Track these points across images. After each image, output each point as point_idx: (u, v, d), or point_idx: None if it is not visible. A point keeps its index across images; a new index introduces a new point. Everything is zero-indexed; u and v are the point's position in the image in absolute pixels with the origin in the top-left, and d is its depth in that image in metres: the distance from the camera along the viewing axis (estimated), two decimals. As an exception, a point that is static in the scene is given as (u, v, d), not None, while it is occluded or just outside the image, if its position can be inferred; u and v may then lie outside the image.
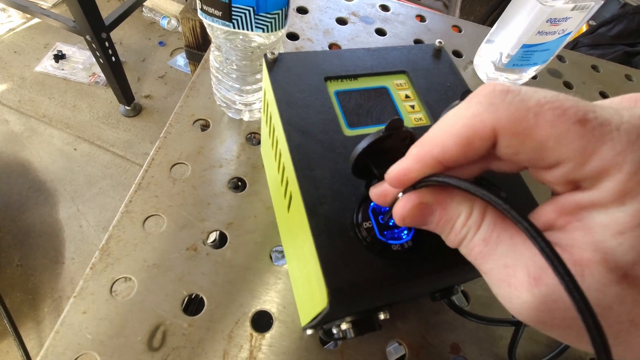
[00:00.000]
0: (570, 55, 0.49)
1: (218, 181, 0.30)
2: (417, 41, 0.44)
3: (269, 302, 0.26)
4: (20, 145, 1.13)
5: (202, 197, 0.29)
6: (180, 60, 1.36)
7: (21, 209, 1.04)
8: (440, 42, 0.27)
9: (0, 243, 0.98)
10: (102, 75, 1.22)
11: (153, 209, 0.28)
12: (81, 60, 1.27)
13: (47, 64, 1.26)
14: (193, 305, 0.26)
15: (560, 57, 0.48)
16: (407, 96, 0.24)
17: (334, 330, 0.23)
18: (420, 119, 0.23)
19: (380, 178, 0.15)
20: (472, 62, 0.44)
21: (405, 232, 0.18)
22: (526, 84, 0.44)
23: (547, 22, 0.35)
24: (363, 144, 0.16)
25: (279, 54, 0.23)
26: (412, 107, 0.23)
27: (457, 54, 0.44)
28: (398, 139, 0.16)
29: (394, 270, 0.17)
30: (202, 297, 0.26)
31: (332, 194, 0.19)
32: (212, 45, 0.29)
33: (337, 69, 0.24)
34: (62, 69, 1.26)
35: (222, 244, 0.28)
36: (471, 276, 0.22)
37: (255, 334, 0.25)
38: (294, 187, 0.19)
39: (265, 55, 0.23)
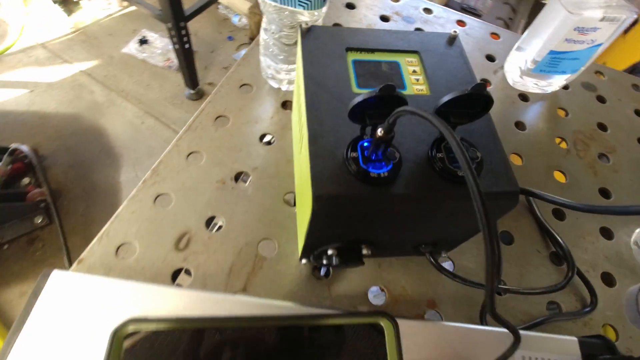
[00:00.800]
0: (611, 72, 0.49)
1: (252, 134, 0.36)
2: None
3: (275, 234, 0.31)
4: (100, 113, 1.29)
5: (237, 144, 0.35)
6: (245, 55, 1.47)
7: (91, 167, 1.19)
8: (455, 32, 0.30)
9: (70, 193, 1.13)
10: (175, 60, 1.36)
11: (196, 147, 0.34)
12: (160, 46, 1.43)
13: (132, 47, 1.43)
14: (214, 225, 0.31)
15: (599, 72, 0.49)
16: (414, 71, 0.27)
17: (324, 260, 0.27)
18: (422, 90, 0.26)
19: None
20: (503, 67, 0.46)
21: (384, 168, 0.22)
22: (556, 93, 0.45)
23: (575, 30, 0.36)
24: (359, 98, 0.20)
25: (312, 26, 0.28)
26: (417, 80, 0.27)
27: (490, 58, 0.47)
28: (391, 100, 0.20)
29: (369, 192, 0.21)
30: (222, 219, 0.31)
31: (332, 132, 0.23)
32: (263, 20, 0.35)
33: (358, 43, 0.28)
34: (144, 53, 1.42)
35: (245, 182, 0.33)
36: (437, 222, 0.25)
37: (259, 255, 0.30)
38: (304, 125, 0.24)
39: (300, 25, 0.28)
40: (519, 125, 0.42)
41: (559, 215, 0.36)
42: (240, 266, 0.29)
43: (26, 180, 1.11)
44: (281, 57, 0.36)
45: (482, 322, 0.29)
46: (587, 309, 0.31)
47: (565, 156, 0.40)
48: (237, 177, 0.33)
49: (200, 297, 0.23)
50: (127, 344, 0.21)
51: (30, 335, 0.21)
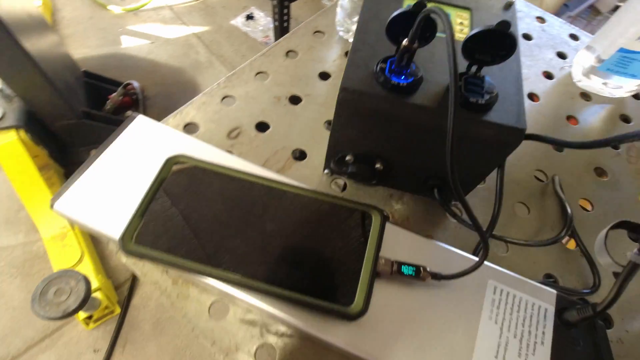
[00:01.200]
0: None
1: (313, 69, 0.41)
2: (526, 36, 0.48)
3: (309, 147, 0.36)
4: (199, 71, 1.46)
5: (298, 74, 0.41)
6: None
7: (181, 114, 1.35)
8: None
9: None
10: (272, 38, 1.49)
11: (265, 68, 0.41)
12: (262, 23, 1.58)
13: (239, 20, 1.60)
14: (262, 128, 0.37)
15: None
16: (461, 23, 0.31)
17: (342, 167, 0.31)
18: (461, 38, 0.29)
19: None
20: (571, 65, 0.46)
21: (405, 80, 0.25)
22: (624, 100, 0.44)
23: (651, 28, 0.36)
24: (395, 12, 0.24)
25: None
26: (461, 30, 0.30)
27: (562, 55, 0.47)
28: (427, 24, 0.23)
29: (387, 95, 0.25)
30: (269, 124, 0.37)
31: (371, 49, 0.27)
32: (346, -25, 0.41)
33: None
34: (247, 27, 1.58)
35: (296, 104, 0.39)
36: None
37: (291, 159, 0.35)
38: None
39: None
40: (571, 119, 0.42)
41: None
42: (273, 162, 0.35)
43: (129, 112, 1.30)
44: (350, 10, 0.41)
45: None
46: (587, 291, 0.31)
47: (612, 157, 0.39)
48: (292, 98, 0.39)
49: (239, 162, 0.29)
50: (174, 168, 0.27)
51: (109, 155, 0.28)
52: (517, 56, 0.28)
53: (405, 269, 0.24)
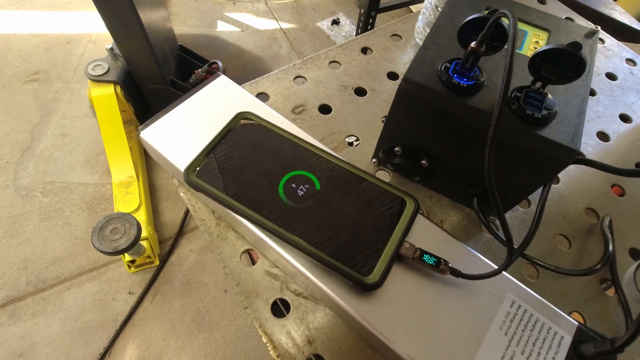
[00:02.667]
0: None
1: (384, 67, 0.43)
2: (610, 75, 0.46)
3: (363, 134, 0.38)
4: (277, 63, 1.54)
5: (368, 70, 0.43)
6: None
7: (252, 100, 1.44)
8: (597, 27, 0.32)
9: (230, 111, 1.40)
10: (353, 45, 1.54)
11: (338, 59, 0.43)
12: (346, 30, 1.63)
13: (325, 24, 1.67)
14: (324, 111, 0.40)
15: None
16: (537, 42, 0.31)
17: (389, 157, 0.33)
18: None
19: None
20: (657, 114, 0.43)
21: (466, 81, 0.26)
22: None
23: None
24: (469, 17, 0.26)
25: (468, -12, 0.34)
26: (535, 48, 0.30)
27: (646, 102, 0.44)
28: (498, 32, 0.25)
29: (446, 92, 0.26)
30: (332, 108, 0.39)
31: (440, 49, 0.29)
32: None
33: (500, 6, 0.33)
34: (331, 31, 1.64)
35: (361, 95, 0.41)
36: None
37: (344, 142, 0.37)
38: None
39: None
40: (642, 167, 0.39)
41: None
42: (327, 142, 0.37)
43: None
44: (431, 18, 0.43)
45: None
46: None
47: (681, 215, 0.36)
48: (357, 90, 0.42)
49: (299, 131, 0.32)
50: (242, 122, 0.31)
51: (192, 102, 0.32)
52: (587, 82, 0.28)
53: (427, 258, 0.25)
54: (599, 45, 0.49)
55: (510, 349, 0.24)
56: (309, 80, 0.41)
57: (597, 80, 0.46)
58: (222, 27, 1.62)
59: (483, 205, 0.32)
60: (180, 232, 1.11)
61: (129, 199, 1.07)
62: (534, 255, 0.31)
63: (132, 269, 1.06)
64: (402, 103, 0.28)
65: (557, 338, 0.25)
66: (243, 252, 0.31)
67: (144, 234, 0.99)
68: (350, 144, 0.37)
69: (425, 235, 0.28)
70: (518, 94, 0.26)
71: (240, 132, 0.30)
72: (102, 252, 0.86)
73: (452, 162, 0.30)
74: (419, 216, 0.28)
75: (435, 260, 0.25)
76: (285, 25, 1.67)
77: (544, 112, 0.25)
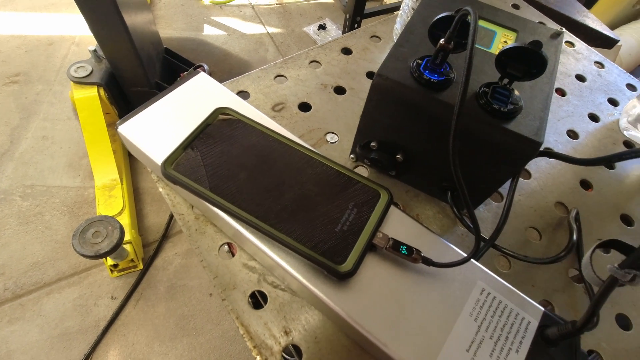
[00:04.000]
0: None
1: (363, 67, 0.44)
2: (579, 77, 0.48)
3: (342, 132, 0.39)
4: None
5: (348, 69, 0.44)
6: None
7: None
8: (561, 29, 0.34)
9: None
10: (338, 50, 1.55)
11: (319, 59, 0.44)
12: (332, 35, 1.65)
13: (311, 29, 1.68)
14: (304, 109, 0.41)
15: None
16: (505, 42, 0.32)
17: (365, 152, 0.34)
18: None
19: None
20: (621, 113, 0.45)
21: (436, 77, 0.27)
22: (672, 159, 0.42)
23: None
24: (440, 15, 0.27)
25: (442, -11, 0.36)
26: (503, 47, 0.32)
27: (613, 102, 0.46)
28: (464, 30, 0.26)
29: (417, 88, 0.27)
30: (311, 106, 0.40)
31: (413, 47, 0.30)
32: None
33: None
34: (318, 36, 1.66)
35: (340, 94, 0.42)
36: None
37: (323, 139, 0.38)
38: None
39: (433, -14, 0.36)
40: (608, 164, 0.41)
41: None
42: (306, 139, 0.38)
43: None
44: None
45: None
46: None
47: (644, 208, 0.38)
48: (337, 89, 0.42)
49: (277, 127, 0.32)
50: (220, 117, 0.31)
51: (171, 99, 0.33)
52: (551, 80, 0.29)
53: (400, 248, 0.26)
54: (570, 49, 0.51)
55: (480, 334, 0.25)
56: (290, 79, 0.42)
57: (568, 82, 0.47)
58: (209, 31, 1.62)
59: (457, 199, 0.33)
60: (165, 236, 1.10)
61: (112, 202, 1.05)
62: (507, 247, 0.33)
63: (115, 274, 1.04)
64: (375, 98, 0.29)
65: (524, 323, 0.26)
66: (221, 245, 0.31)
67: (127, 237, 0.97)
68: (329, 140, 0.38)
69: (400, 226, 0.29)
70: (486, 90, 0.27)
71: (219, 126, 0.30)
72: (83, 255, 0.85)
73: (425, 156, 0.31)
74: (394, 208, 0.29)
75: (408, 249, 0.26)
76: (272, 30, 1.68)
77: (510, 106, 0.26)
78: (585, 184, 0.39)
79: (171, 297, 1.03)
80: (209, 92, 0.33)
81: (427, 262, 0.26)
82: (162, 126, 0.31)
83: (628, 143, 0.43)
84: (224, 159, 0.29)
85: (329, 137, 0.39)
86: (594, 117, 0.45)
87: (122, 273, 1.05)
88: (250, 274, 0.30)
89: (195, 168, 0.28)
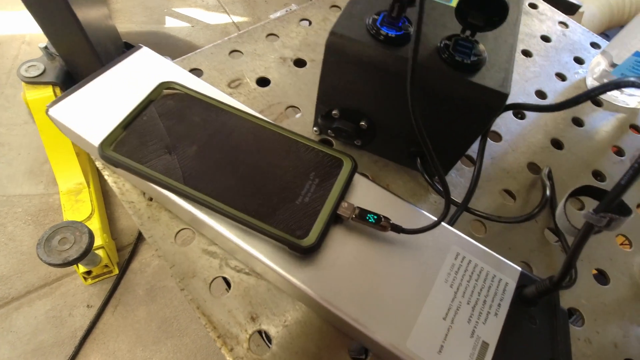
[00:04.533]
0: None
1: (323, 38, 0.42)
2: (544, 37, 0.47)
3: (304, 105, 0.36)
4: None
5: (308, 41, 0.42)
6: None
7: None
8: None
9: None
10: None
11: (277, 31, 0.42)
12: (301, 21, 1.62)
13: (277, 15, 1.64)
14: (262, 84, 0.38)
15: None
16: None
17: (328, 123, 0.32)
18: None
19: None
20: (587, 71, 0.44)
21: (394, 32, 0.25)
22: (633, 111, 0.42)
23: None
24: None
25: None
26: None
27: (579, 60, 0.46)
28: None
29: (375, 45, 0.25)
30: (270, 80, 0.38)
31: (369, 3, 0.28)
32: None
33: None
34: (285, 23, 1.62)
35: (301, 67, 0.39)
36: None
37: (284, 113, 0.36)
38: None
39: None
40: (577, 121, 0.40)
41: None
42: (267, 114, 0.35)
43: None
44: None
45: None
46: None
47: (615, 164, 0.38)
48: (297, 61, 0.40)
49: (229, 99, 0.30)
50: (165, 92, 0.28)
51: (109, 77, 0.30)
52: (515, 31, 0.28)
53: (366, 216, 0.24)
54: (534, 11, 0.50)
55: (457, 300, 0.24)
56: (246, 54, 0.39)
57: (533, 43, 0.47)
58: (171, 23, 1.56)
59: (427, 164, 0.31)
60: (140, 238, 1.06)
61: (79, 207, 1.00)
62: (481, 211, 0.31)
63: (89, 281, 0.99)
64: (331, 59, 0.27)
65: (502, 285, 0.25)
66: (178, 231, 0.28)
67: (98, 242, 0.93)
68: (291, 114, 0.36)
69: (367, 195, 0.27)
70: (447, 42, 0.26)
71: (164, 102, 0.28)
72: (50, 264, 0.80)
73: (390, 120, 0.30)
74: (360, 177, 0.27)
75: (376, 217, 0.24)
76: (237, 19, 1.63)
77: (474, 58, 0.25)
78: (557, 143, 0.39)
79: (151, 300, 1.00)
80: (154, 69, 0.30)
81: (397, 229, 0.24)
82: (100, 106, 0.28)
83: (596, 100, 0.42)
84: (170, 136, 0.26)
85: (290, 112, 0.36)
86: (561, 77, 0.44)
87: (97, 280, 1.00)
88: (211, 259, 0.28)
89: (139, 147, 0.25)
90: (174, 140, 0.26)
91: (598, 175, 0.37)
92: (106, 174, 0.30)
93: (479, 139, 0.29)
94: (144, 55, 0.31)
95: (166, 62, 0.31)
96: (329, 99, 0.30)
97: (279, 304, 0.26)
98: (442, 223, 0.26)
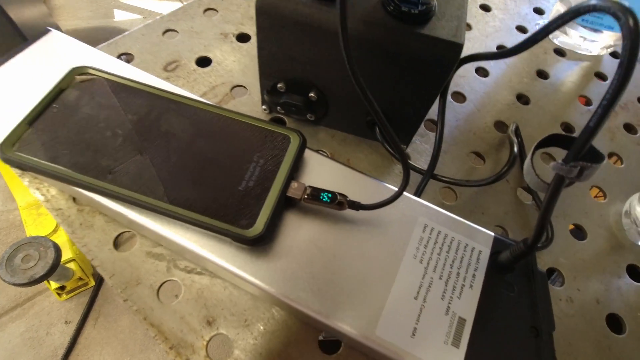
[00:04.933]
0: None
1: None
2: (503, -10, 0.45)
3: (252, 85, 0.33)
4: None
5: (250, 13, 0.38)
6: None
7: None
8: None
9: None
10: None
11: (214, 5, 0.38)
12: (259, 3, 1.55)
13: (235, 0, 1.57)
14: (203, 64, 0.35)
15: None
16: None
17: (276, 99, 0.29)
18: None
19: None
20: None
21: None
22: (601, 58, 0.40)
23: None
24: None
25: None
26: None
27: (539, 11, 0.44)
28: None
29: (310, 2, 0.22)
30: (211, 59, 0.34)
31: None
32: None
33: None
34: (243, 6, 1.55)
35: (245, 42, 0.36)
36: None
37: (230, 94, 0.32)
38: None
39: None
40: (542, 74, 0.39)
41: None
42: (210, 97, 0.32)
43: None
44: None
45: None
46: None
47: (583, 114, 0.36)
48: (240, 36, 0.36)
49: (173, 88, 0.26)
50: (79, 78, 0.24)
51: (11, 66, 0.26)
52: (465, -26, 0.25)
53: (321, 195, 0.22)
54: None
55: (427, 276, 0.22)
56: (182, 33, 0.36)
57: (491, -4, 0.44)
58: (121, 16, 1.46)
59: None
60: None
61: (42, 221, 0.94)
62: (449, 176, 0.29)
63: (64, 296, 0.94)
64: (265, 24, 0.24)
65: (475, 254, 0.23)
66: (117, 236, 0.25)
67: (67, 255, 0.88)
68: (238, 95, 0.33)
69: (321, 172, 0.24)
70: (392, -8, 0.23)
71: (77, 90, 0.24)
72: (16, 284, 0.75)
73: (340, 88, 0.27)
74: (313, 154, 0.25)
75: (330, 196, 0.22)
76: (192, 7, 1.55)
77: (422, 7, 0.22)
78: (522, 98, 0.37)
79: (132, 308, 0.96)
80: (65, 53, 0.27)
81: (355, 206, 0.22)
82: (1, 102, 0.24)
83: (559, 50, 0.41)
84: (88, 129, 0.23)
85: (237, 92, 0.33)
86: (521, 29, 0.42)
87: (73, 294, 0.96)
88: (157, 262, 0.25)
89: (50, 145, 0.22)
90: (93, 132, 0.23)
91: (568, 128, 0.35)
92: (26, 180, 0.26)
93: (438, 99, 0.27)
94: (55, 40, 0.27)
95: (82, 46, 0.27)
96: (271, 71, 0.27)
97: (238, 303, 0.24)
98: (405, 194, 0.24)
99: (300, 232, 0.22)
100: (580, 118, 0.36)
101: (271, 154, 0.23)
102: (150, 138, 0.23)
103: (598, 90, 0.38)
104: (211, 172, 0.22)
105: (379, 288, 0.21)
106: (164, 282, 0.24)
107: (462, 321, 0.21)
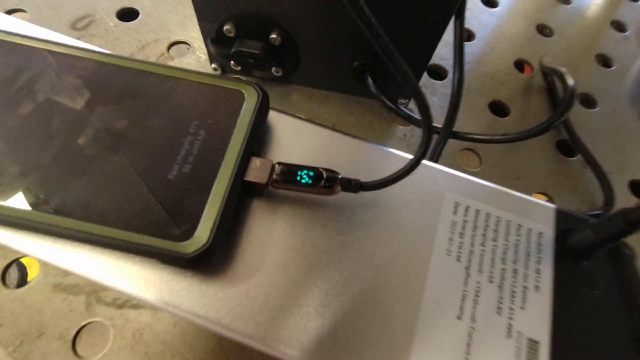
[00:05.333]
0: None
1: None
2: None
3: (193, 38, 0.25)
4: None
5: None
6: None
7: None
8: None
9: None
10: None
11: None
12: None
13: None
14: (126, 17, 0.26)
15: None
16: None
17: (225, 49, 0.20)
18: None
19: None
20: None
21: None
22: None
23: None
24: None
25: None
26: None
27: None
28: None
29: None
30: (138, 11, 0.25)
31: None
32: None
33: None
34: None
35: None
36: None
37: (167, 55, 0.24)
38: None
39: None
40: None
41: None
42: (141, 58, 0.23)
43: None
44: None
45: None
46: (596, 212, 0.21)
47: (618, 42, 0.29)
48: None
49: (85, 46, 0.18)
50: None
51: None
52: None
53: (297, 175, 0.14)
54: None
55: (472, 281, 0.14)
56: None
57: None
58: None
59: (381, 82, 0.21)
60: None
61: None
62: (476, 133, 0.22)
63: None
64: None
65: (534, 237, 0.16)
66: (6, 267, 0.17)
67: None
68: (177, 53, 0.24)
69: (295, 141, 0.16)
70: None
71: None
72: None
73: (312, 21, 0.19)
74: (280, 115, 0.17)
75: (313, 174, 0.14)
76: None
77: None
78: (544, 30, 0.29)
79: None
80: None
81: (353, 186, 0.14)
82: None
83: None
84: None
85: (176, 51, 0.25)
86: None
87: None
88: (71, 297, 0.17)
89: None
90: None
91: (605, 60, 0.28)
92: None
93: (452, 26, 0.19)
94: None
95: None
96: (212, 6, 0.19)
97: (195, 345, 0.16)
98: (425, 161, 0.16)
99: (273, 235, 0.14)
100: (615, 47, 0.29)
101: (216, 120, 0.15)
102: (38, 116, 0.15)
103: (631, 12, 0.31)
104: (121, 158, 0.14)
105: (403, 307, 0.14)
106: (83, 327, 0.17)
107: (533, 344, 0.13)
